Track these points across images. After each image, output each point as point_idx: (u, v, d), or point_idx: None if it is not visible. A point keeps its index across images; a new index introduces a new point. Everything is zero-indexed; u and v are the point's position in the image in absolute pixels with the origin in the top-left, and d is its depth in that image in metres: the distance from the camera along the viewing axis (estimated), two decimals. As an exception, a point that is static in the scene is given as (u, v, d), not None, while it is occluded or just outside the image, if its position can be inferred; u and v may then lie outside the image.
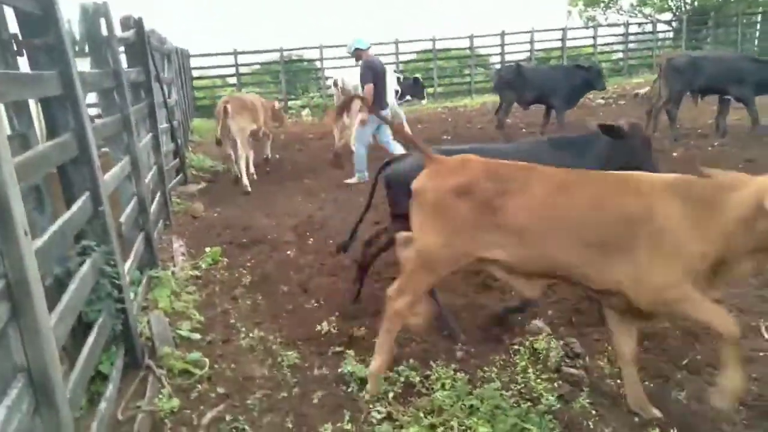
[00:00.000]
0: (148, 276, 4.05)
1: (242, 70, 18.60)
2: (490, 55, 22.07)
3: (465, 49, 20.48)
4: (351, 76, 10.80)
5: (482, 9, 51.54)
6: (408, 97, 12.02)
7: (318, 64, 18.80)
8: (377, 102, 7.35)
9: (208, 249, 5.06)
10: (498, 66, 19.30)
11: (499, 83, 10.46)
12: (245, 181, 7.58)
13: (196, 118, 14.78)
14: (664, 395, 2.81)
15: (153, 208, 4.73)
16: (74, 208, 2.59)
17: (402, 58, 19.52)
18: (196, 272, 4.61)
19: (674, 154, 8.21)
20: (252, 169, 8.19)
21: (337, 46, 17.47)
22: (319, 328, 3.64)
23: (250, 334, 3.59)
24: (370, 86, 7.35)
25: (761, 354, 3.09)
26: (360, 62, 7.66)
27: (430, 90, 19.49)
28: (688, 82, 8.98)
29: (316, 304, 4.07)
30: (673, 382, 2.92)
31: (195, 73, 17.98)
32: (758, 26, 22.91)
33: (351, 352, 3.29)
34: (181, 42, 12.96)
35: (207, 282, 4.50)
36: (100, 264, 2.76)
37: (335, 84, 11.19)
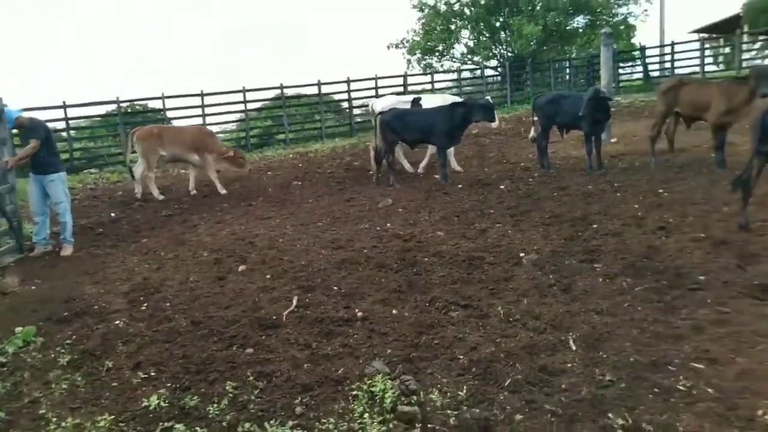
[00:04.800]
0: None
1: (74, 123, 17.24)
2: (340, 101, 22.90)
3: (314, 95, 20.95)
4: (381, 101, 11.72)
5: (329, 56, 53.51)
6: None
7: (161, 114, 18.06)
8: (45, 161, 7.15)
9: (18, 329, 4.47)
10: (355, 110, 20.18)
11: (381, 126, 10.54)
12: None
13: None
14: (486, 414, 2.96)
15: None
16: None
17: (250, 106, 19.44)
18: (1, 359, 4.04)
19: (501, 186, 9.00)
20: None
21: (182, 96, 17.09)
22: (146, 403, 3.34)
23: (63, 424, 3.18)
24: (37, 142, 7.02)
25: (569, 365, 3.39)
26: (27, 124, 7.26)
27: (281, 136, 19.63)
28: (551, 117, 9.86)
29: (145, 377, 3.74)
30: (497, 403, 3.08)
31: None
32: (567, 70, 26.42)
33: (181, 427, 3.05)
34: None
35: (15, 368, 3.95)
36: None
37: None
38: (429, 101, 11.45)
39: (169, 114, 17.78)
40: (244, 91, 18.61)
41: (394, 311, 4.49)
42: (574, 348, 3.60)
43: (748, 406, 2.85)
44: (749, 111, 8.89)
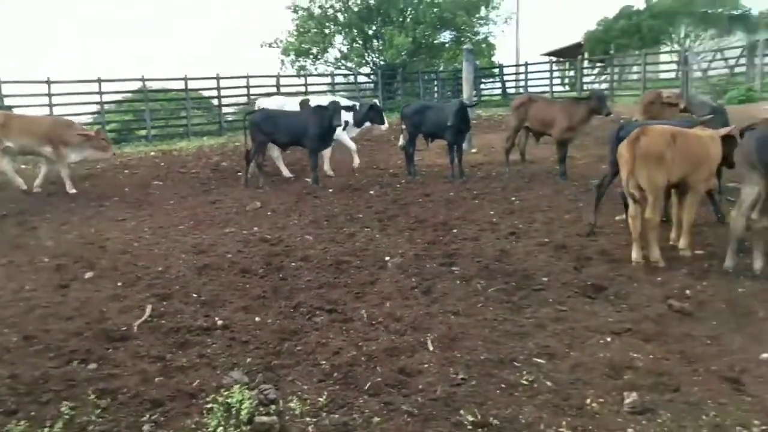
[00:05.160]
0: None
1: None
2: (210, 97, 22.00)
3: (181, 90, 19.85)
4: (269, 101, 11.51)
5: (199, 54, 51.51)
6: (368, 124, 11.17)
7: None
8: None
9: None
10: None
11: (250, 126, 10.10)
12: None
13: None
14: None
15: None
16: None
17: (106, 98, 17.94)
18: None
19: (371, 192, 9.18)
20: None
21: (24, 82, 15.25)
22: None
23: None
24: None
25: (426, 365, 3.53)
26: None
27: (143, 132, 18.34)
28: (417, 126, 10.14)
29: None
30: (356, 407, 3.11)
31: None
32: (435, 82, 27.74)
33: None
34: None
35: None
36: None
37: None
38: (319, 103, 11.32)
39: (9, 102, 15.83)
40: (99, 81, 17.15)
41: (257, 318, 4.37)
42: (431, 348, 3.76)
43: (580, 395, 3.17)
44: (587, 128, 9.97)
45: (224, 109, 21.12)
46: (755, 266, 4.82)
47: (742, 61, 20.78)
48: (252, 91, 20.99)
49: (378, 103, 10.87)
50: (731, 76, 20.93)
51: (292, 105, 11.24)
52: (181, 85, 19.34)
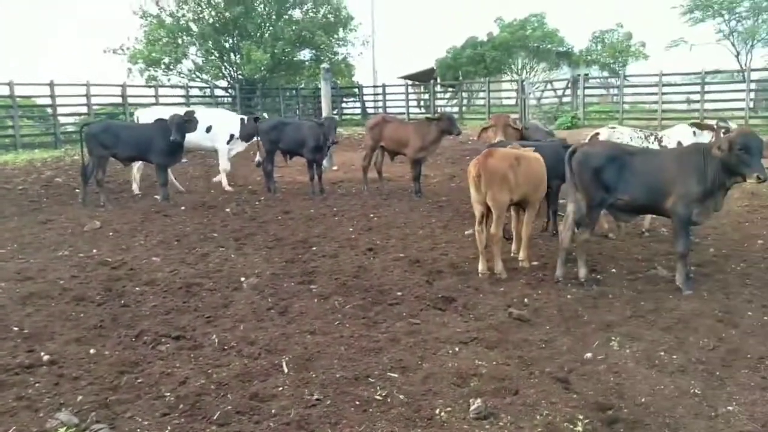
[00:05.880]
0: None
1: None
2: (43, 106, 19.82)
3: (6, 97, 17.58)
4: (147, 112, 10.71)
5: (27, 56, 47.44)
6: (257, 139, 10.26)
7: None
8: None
9: None
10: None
11: (87, 139, 9.05)
12: None
13: None
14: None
15: None
16: None
17: None
18: None
19: (227, 209, 8.84)
20: None
21: None
22: None
23: None
24: None
25: (280, 389, 3.42)
26: None
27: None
28: (274, 142, 9.98)
29: None
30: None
31: None
32: (296, 98, 27.72)
33: None
34: None
35: None
36: None
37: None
38: (206, 115, 10.67)
39: None
40: None
41: (91, 350, 3.94)
42: (286, 371, 3.66)
43: (430, 406, 3.27)
44: (438, 148, 10.54)
45: (61, 119, 19.12)
46: (580, 275, 5.40)
47: (568, 92, 23.51)
48: (93, 100, 19.31)
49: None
50: (560, 104, 23.56)
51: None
52: (5, 90, 17.16)
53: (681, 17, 24.52)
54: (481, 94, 26.22)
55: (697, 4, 23.93)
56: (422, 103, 29.33)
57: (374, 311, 4.73)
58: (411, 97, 27.67)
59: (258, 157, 10.49)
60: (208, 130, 10.42)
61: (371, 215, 8.46)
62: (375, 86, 28.90)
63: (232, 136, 10.57)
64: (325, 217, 8.36)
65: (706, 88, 19.71)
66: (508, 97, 26.30)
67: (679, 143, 6.96)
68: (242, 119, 10.78)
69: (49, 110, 19.18)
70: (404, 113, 25.21)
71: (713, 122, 7.21)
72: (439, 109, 25.30)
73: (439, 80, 29.30)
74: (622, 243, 6.88)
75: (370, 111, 27.16)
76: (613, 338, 4.14)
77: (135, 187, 10.20)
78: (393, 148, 10.21)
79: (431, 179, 11.52)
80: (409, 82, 31.26)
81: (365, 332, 4.31)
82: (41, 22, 52.43)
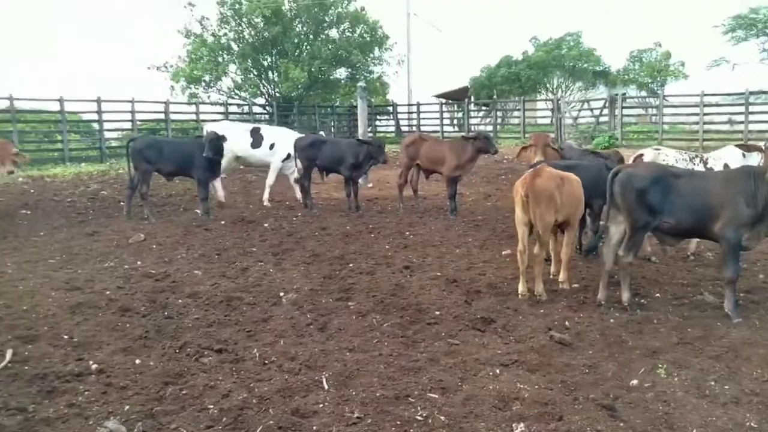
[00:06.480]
0: None
1: None
2: (89, 121, 20.58)
3: (56, 112, 18.33)
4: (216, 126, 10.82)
5: (75, 72, 49.25)
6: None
7: None
8: None
9: None
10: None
11: (133, 154, 9.41)
12: None
13: None
14: None
15: None
16: None
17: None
18: None
19: (265, 224, 8.98)
20: None
21: None
22: None
23: None
24: None
25: (321, 405, 3.43)
26: None
27: (9, 156, 16.64)
28: (311, 159, 10.13)
29: None
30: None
31: None
32: (332, 116, 28.13)
33: None
34: None
35: None
36: None
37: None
38: (270, 132, 11.30)
39: None
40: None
41: (137, 361, 4.04)
42: (326, 387, 3.67)
43: (472, 428, 3.23)
44: (474, 167, 10.51)
45: (107, 134, 19.82)
46: (623, 298, 5.28)
47: (605, 111, 23.20)
48: (138, 116, 19.98)
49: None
50: (597, 124, 23.25)
51: (241, 132, 11.09)
52: (56, 106, 17.90)
53: (723, 36, 24.02)
54: (516, 113, 26.10)
55: (740, 23, 23.40)
56: (455, 121, 29.35)
57: (412, 330, 4.72)
58: (445, 115, 27.74)
59: (296, 173, 10.66)
60: (272, 147, 11.01)
61: (407, 233, 8.47)
62: (410, 104, 29.08)
63: (289, 155, 10.83)
64: (361, 234, 8.40)
65: (750, 108, 19.19)
66: (543, 116, 26.11)
67: (726, 165, 6.79)
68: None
69: (96, 125, 19.91)
70: (438, 131, 25.26)
71: (762, 143, 7.02)
72: (472, 128, 25.29)
73: (473, 99, 29.29)
74: (665, 267, 6.70)
75: (404, 129, 27.31)
76: (659, 365, 4.02)
77: (221, 195, 10.82)
78: (429, 166, 10.22)
79: (466, 198, 11.48)
80: (443, 101, 31.32)
81: (404, 351, 4.30)
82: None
